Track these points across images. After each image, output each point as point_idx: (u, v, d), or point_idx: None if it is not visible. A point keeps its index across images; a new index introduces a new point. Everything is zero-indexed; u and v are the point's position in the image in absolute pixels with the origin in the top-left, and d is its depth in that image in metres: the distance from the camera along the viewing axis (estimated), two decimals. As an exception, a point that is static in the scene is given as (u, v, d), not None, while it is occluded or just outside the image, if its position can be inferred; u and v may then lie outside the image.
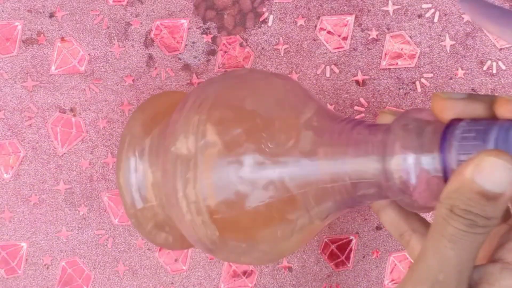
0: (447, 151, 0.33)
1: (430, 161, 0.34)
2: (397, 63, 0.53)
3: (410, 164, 0.35)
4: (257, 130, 0.39)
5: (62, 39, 0.53)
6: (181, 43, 0.53)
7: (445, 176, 0.33)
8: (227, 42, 0.53)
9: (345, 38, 0.53)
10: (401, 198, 0.36)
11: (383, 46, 0.53)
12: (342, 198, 0.39)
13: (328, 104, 0.53)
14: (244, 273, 0.53)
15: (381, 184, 0.36)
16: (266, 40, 0.53)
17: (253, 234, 0.40)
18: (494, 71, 0.53)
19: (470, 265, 0.33)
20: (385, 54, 0.53)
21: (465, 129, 0.33)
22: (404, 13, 0.53)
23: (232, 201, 0.39)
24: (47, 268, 0.52)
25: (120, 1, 0.53)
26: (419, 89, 0.53)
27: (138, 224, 0.48)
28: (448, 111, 0.34)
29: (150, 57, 0.53)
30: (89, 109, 0.53)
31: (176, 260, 0.53)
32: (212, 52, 0.53)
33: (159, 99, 0.50)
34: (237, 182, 0.39)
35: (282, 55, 0.53)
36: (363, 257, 0.53)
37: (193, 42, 0.53)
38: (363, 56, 0.53)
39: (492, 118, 0.34)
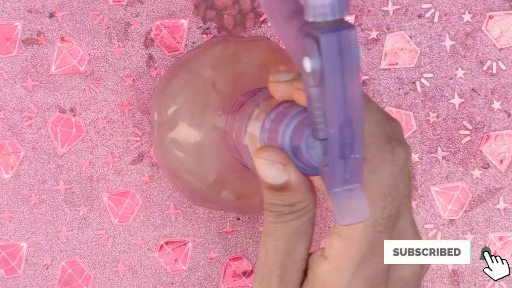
0: (262, 135, 0.35)
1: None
2: (397, 63, 0.53)
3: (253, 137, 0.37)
4: (188, 105, 0.45)
5: (62, 39, 0.53)
6: (181, 43, 0.53)
7: None
8: (227, 42, 0.53)
9: (345, 38, 0.53)
10: None
11: (383, 46, 0.53)
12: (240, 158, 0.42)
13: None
14: (244, 273, 0.53)
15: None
16: (266, 40, 0.53)
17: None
18: (494, 71, 0.53)
19: (295, 251, 0.34)
20: (385, 54, 0.53)
21: (276, 114, 0.34)
22: (404, 13, 0.53)
23: (172, 165, 0.46)
24: (47, 268, 0.52)
25: (120, 1, 0.53)
26: (419, 89, 0.53)
27: None
28: (275, 93, 0.35)
29: (150, 57, 0.53)
30: (89, 109, 0.52)
31: (176, 260, 0.53)
32: (212, 52, 0.53)
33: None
34: (173, 148, 0.46)
35: (282, 55, 0.53)
36: (363, 257, 0.53)
37: (193, 42, 0.53)
38: (363, 56, 0.53)
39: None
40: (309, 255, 0.35)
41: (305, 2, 0.29)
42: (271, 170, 0.33)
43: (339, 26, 0.29)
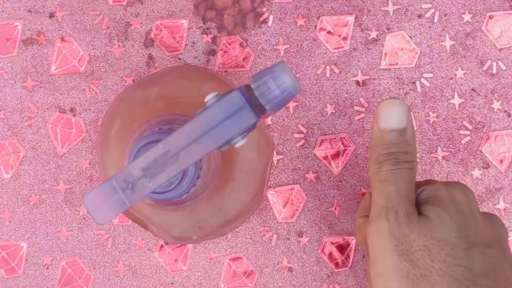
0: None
1: None
2: (397, 63, 0.53)
3: None
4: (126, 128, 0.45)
5: (62, 39, 0.53)
6: (181, 43, 0.53)
7: None
8: (227, 42, 0.53)
9: (345, 38, 0.53)
10: None
11: (383, 46, 0.53)
12: None
13: (328, 105, 0.53)
14: (244, 273, 0.53)
15: None
16: (266, 40, 0.53)
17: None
18: (494, 71, 0.53)
19: (409, 193, 0.40)
20: (385, 54, 0.53)
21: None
22: (404, 13, 0.53)
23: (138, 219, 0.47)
24: (47, 268, 0.52)
25: (120, 1, 0.53)
26: (419, 89, 0.53)
27: None
28: None
29: (150, 57, 0.53)
30: (89, 109, 0.53)
31: (176, 260, 0.53)
32: (212, 52, 0.53)
33: None
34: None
35: (282, 55, 0.53)
36: (363, 257, 0.53)
37: (193, 42, 0.53)
38: (363, 56, 0.53)
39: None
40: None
41: (262, 79, 0.32)
42: (398, 110, 0.39)
43: (255, 107, 0.33)
